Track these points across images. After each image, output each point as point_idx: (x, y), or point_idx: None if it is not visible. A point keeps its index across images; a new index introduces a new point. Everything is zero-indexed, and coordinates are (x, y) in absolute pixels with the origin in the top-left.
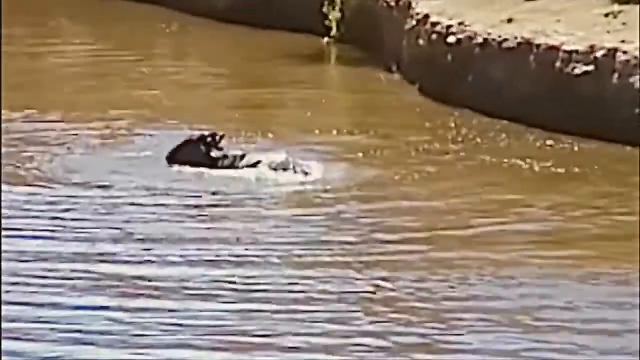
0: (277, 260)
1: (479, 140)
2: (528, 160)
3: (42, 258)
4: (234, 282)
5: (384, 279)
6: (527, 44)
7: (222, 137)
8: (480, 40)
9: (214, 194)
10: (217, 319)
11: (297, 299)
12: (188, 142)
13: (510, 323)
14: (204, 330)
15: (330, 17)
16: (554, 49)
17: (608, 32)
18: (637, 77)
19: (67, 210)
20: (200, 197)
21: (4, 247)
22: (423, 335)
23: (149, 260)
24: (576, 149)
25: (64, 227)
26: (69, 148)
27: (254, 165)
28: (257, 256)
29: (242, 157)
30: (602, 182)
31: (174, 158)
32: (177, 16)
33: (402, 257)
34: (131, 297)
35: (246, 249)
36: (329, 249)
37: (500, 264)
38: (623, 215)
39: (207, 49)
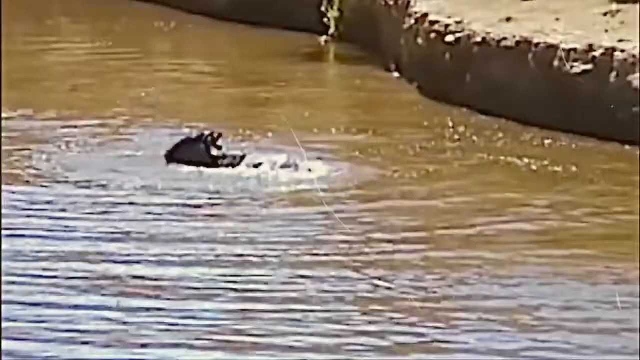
0: (275, 260)
1: (477, 138)
2: (526, 159)
3: (38, 257)
4: (233, 282)
5: (381, 278)
6: (526, 43)
7: (220, 135)
8: (478, 39)
9: (212, 192)
10: (215, 319)
11: (295, 298)
12: (186, 141)
13: (509, 322)
14: (201, 330)
15: (329, 15)
16: (553, 47)
17: (606, 30)
18: (636, 75)
19: (64, 209)
20: (199, 196)
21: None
22: (421, 335)
23: (146, 260)
24: (574, 147)
25: (61, 226)
26: (66, 146)
27: (253, 164)
28: (256, 256)
29: (241, 156)
30: (601, 180)
31: (172, 156)
32: (175, 14)
33: (400, 256)
34: (129, 296)
35: (245, 249)
36: (326, 248)
37: (498, 263)
38: (622, 214)
39: (205, 47)
